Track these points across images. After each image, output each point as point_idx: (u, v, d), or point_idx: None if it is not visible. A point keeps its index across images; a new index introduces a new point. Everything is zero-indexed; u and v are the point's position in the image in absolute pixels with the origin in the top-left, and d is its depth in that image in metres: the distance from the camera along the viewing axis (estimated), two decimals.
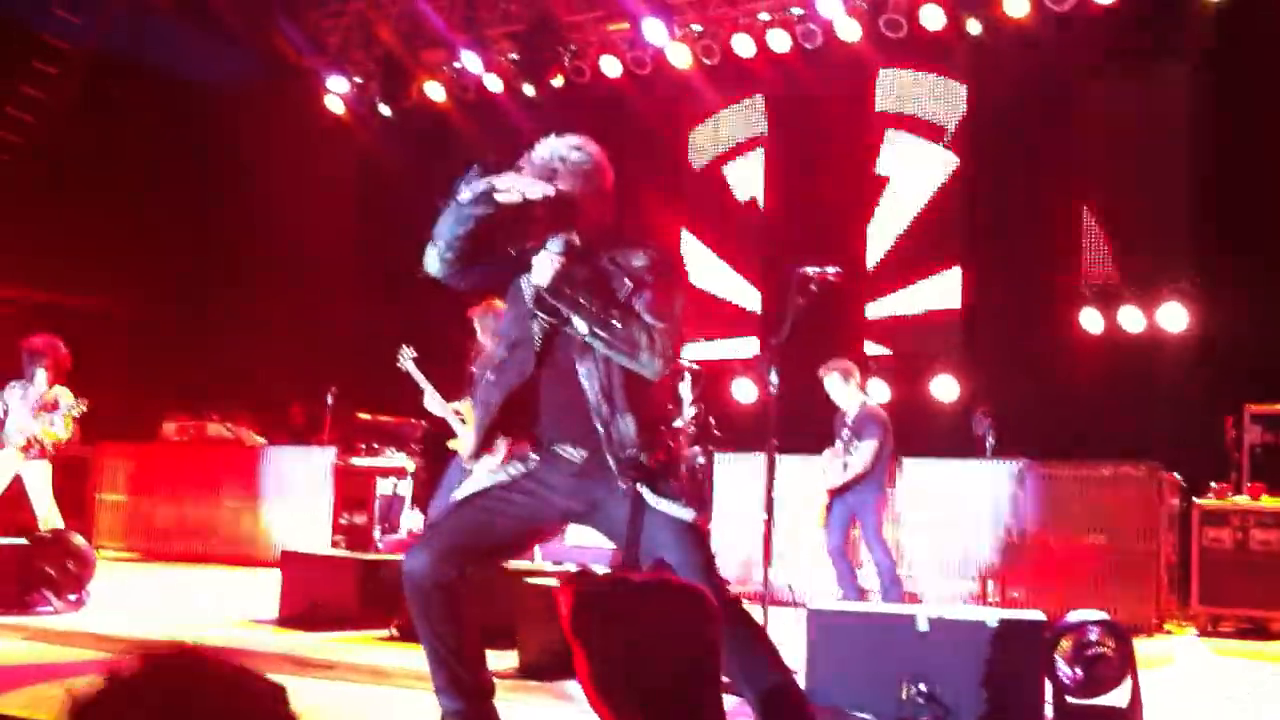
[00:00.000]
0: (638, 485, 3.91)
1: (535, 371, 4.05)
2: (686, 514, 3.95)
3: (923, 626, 5.64)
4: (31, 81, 13.82)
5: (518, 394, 4.08)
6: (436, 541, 4.08)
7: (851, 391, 8.97)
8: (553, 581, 6.93)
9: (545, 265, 3.91)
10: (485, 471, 4.14)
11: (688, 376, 10.30)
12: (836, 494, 8.75)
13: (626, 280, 3.98)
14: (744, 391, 12.16)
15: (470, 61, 13.67)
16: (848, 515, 8.87)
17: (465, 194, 3.93)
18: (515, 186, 3.89)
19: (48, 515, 9.18)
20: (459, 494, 4.21)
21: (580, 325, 3.89)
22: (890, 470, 9.12)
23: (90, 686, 1.34)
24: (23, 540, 8.09)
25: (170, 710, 1.36)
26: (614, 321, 3.87)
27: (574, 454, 4.04)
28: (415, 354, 8.41)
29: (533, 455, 4.09)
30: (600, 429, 3.96)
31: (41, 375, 9.25)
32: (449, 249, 3.98)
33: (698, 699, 1.23)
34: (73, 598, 7.87)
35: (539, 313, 3.99)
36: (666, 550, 3.87)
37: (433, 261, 4.05)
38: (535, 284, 3.93)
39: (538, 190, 3.89)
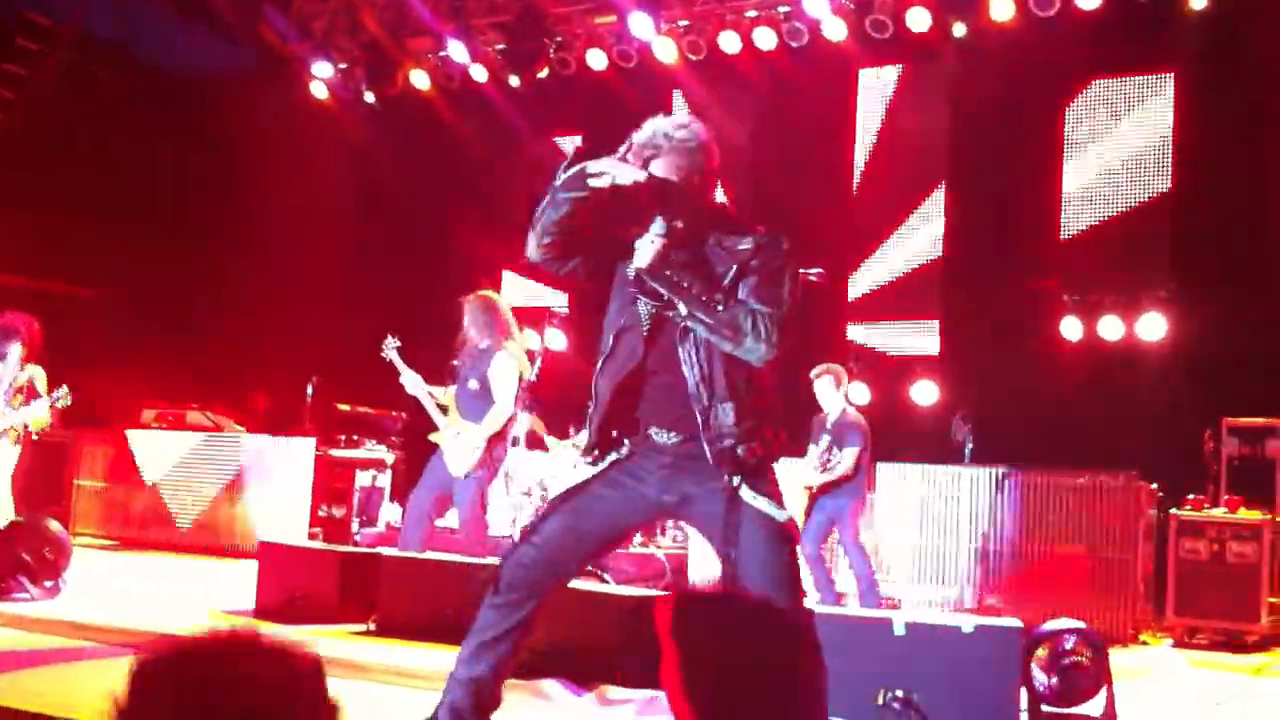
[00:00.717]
0: (734, 481, 3.85)
1: (642, 357, 3.99)
2: (781, 514, 3.91)
3: (900, 631, 5.66)
4: (14, 59, 13.73)
5: (627, 382, 4.02)
6: (539, 544, 4.04)
7: (839, 397, 9.07)
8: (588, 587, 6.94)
9: (646, 247, 3.85)
10: (572, 464, 4.14)
11: None
12: (814, 498, 8.83)
13: (732, 263, 3.92)
14: None
15: (456, 51, 13.63)
16: (825, 521, 8.96)
17: (559, 179, 3.91)
18: (608, 171, 3.83)
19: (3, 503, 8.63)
20: (558, 487, 4.20)
21: (681, 308, 3.83)
22: (869, 477, 9.19)
23: (146, 660, 1.37)
24: None
25: (221, 684, 1.38)
26: (716, 305, 3.80)
27: (669, 439, 3.96)
28: (399, 344, 8.38)
29: (626, 442, 4.04)
30: (698, 415, 3.87)
31: (15, 353, 8.68)
32: (546, 234, 3.97)
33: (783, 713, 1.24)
34: (49, 584, 7.83)
35: (640, 295, 3.93)
36: (756, 550, 3.84)
37: (532, 248, 4.03)
38: (636, 266, 3.86)
39: (630, 175, 3.84)
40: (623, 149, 3.98)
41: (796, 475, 8.99)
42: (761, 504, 3.86)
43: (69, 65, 13.59)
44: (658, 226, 3.87)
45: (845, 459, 8.82)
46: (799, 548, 8.50)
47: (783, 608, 1.72)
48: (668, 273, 3.84)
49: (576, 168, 3.87)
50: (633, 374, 4.00)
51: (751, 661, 1.26)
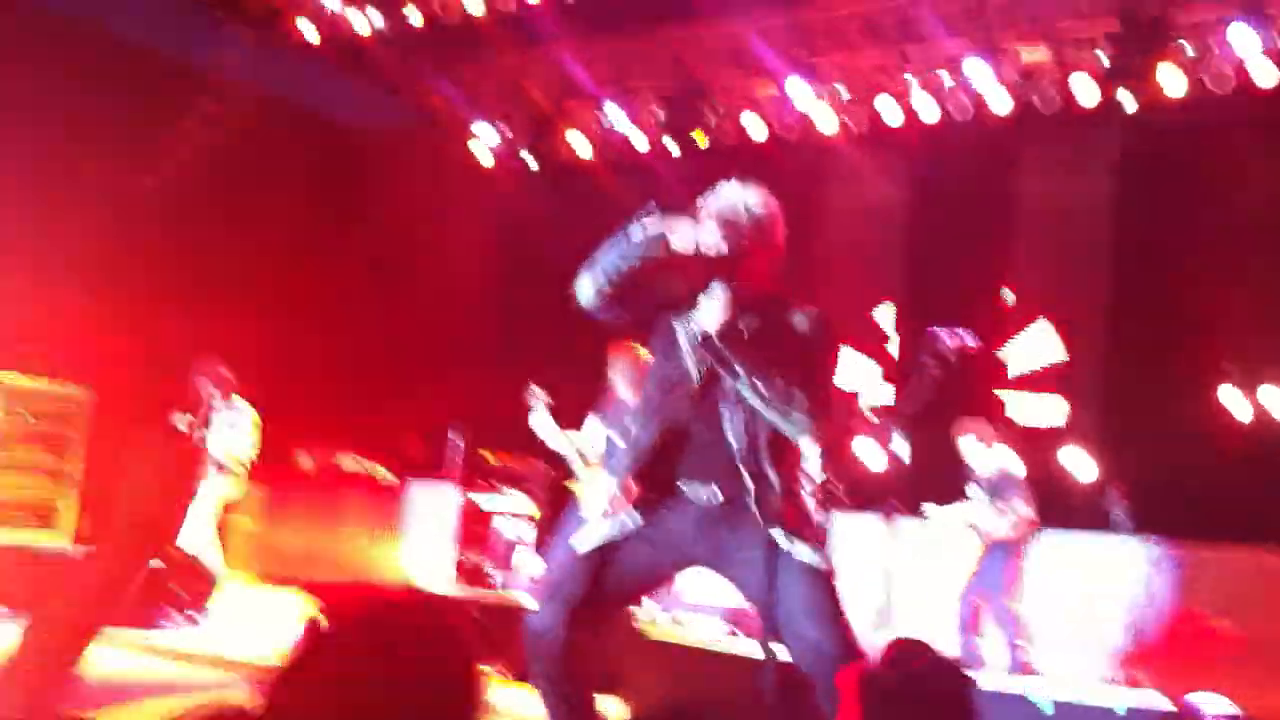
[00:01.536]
0: (771, 532, 3.85)
1: (689, 414, 4.02)
2: (820, 560, 3.88)
3: (1047, 709, 5.45)
4: (196, 118, 14.30)
5: (669, 436, 4.05)
6: (560, 599, 4.03)
7: (990, 454, 8.83)
8: (666, 634, 6.88)
9: (714, 310, 3.93)
10: (609, 518, 4.09)
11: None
12: (983, 557, 8.61)
13: (786, 340, 3.97)
14: (869, 453, 11.98)
15: (617, 117, 13.81)
16: (980, 587, 8.67)
17: (638, 233, 3.93)
18: (685, 234, 3.89)
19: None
20: (577, 541, 4.17)
21: (741, 374, 3.87)
22: (1026, 542, 8.89)
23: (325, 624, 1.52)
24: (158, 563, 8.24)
25: (387, 646, 1.51)
26: (773, 378, 3.84)
27: (705, 495, 3.98)
28: (547, 398, 8.44)
29: (659, 498, 4.04)
30: (744, 477, 3.92)
31: (210, 394, 9.23)
32: (607, 282, 3.99)
33: None
34: (195, 615, 8.01)
35: (703, 355, 3.96)
36: (798, 598, 3.81)
37: (586, 290, 4.05)
38: (703, 328, 3.93)
39: (713, 243, 3.88)
40: (695, 212, 4.00)
41: (960, 516, 8.76)
42: (801, 552, 3.86)
43: (243, 122, 14.11)
44: (723, 291, 3.94)
45: (1017, 508, 8.54)
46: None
47: (948, 664, 1.65)
48: (733, 338, 3.90)
49: (659, 225, 3.89)
50: (676, 430, 4.02)
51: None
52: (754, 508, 3.89)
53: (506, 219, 15.48)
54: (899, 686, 1.29)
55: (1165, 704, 5.60)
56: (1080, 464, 11.35)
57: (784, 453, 3.95)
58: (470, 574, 11.23)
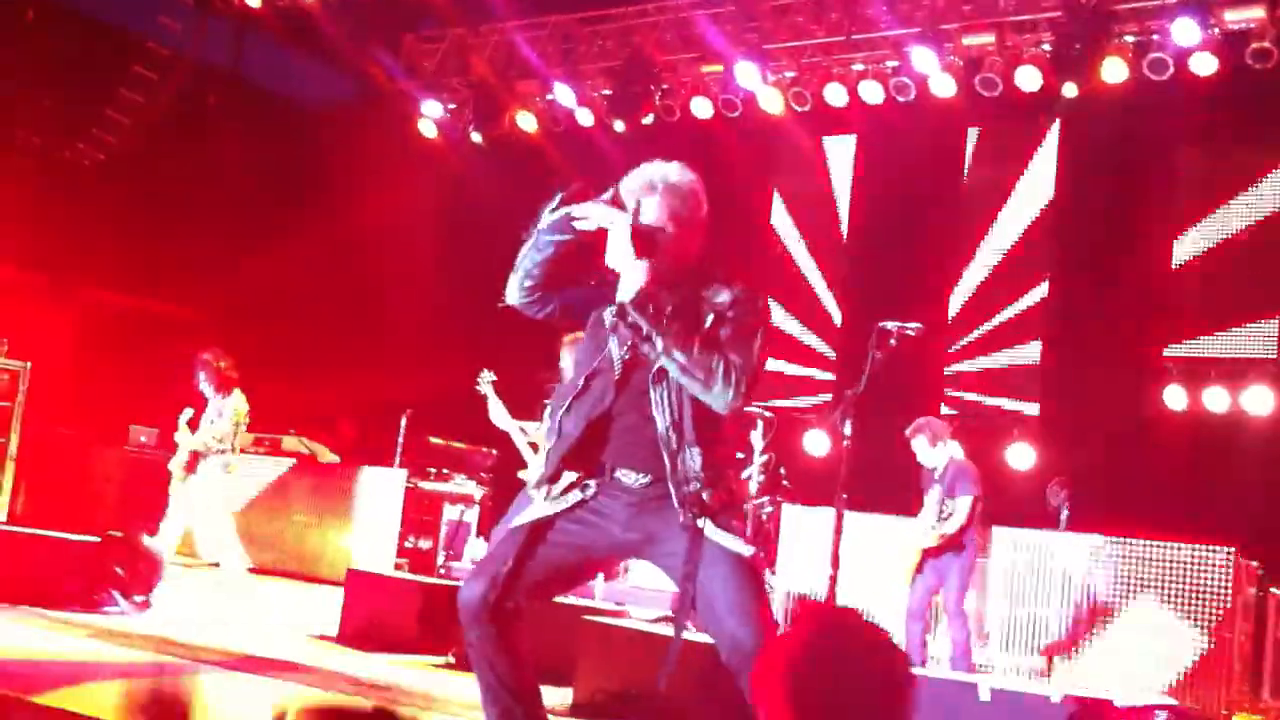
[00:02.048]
0: (697, 519, 3.83)
1: (613, 400, 4.00)
2: (745, 549, 3.87)
3: (985, 697, 5.56)
4: (132, 86, 14.11)
5: (595, 423, 4.03)
6: (491, 571, 4.05)
7: (938, 451, 8.79)
8: (610, 620, 6.93)
9: (630, 281, 3.87)
10: (541, 500, 4.11)
11: (760, 424, 10.27)
12: (929, 554, 8.57)
13: (710, 313, 3.92)
14: (816, 444, 12.08)
15: (563, 94, 13.78)
16: (934, 579, 8.69)
17: (544, 221, 3.96)
18: (593, 214, 3.90)
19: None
20: (515, 520, 4.19)
21: (658, 344, 3.83)
22: (982, 537, 8.91)
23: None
24: (95, 539, 8.21)
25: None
26: (692, 346, 3.81)
27: (635, 480, 3.96)
28: (494, 377, 8.44)
29: (590, 482, 4.03)
30: (666, 459, 3.89)
31: (206, 387, 9.66)
32: (528, 277, 4.00)
33: None
34: (140, 599, 7.96)
35: (618, 325, 3.90)
36: (720, 585, 3.79)
37: (513, 290, 4.07)
38: (620, 299, 3.87)
39: (615, 218, 3.89)
40: (610, 192, 3.99)
41: (910, 537, 8.83)
42: (726, 540, 3.83)
43: (183, 92, 13.93)
44: (642, 264, 3.89)
45: (960, 506, 8.53)
46: (907, 603, 8.42)
47: (869, 629, 1.66)
48: (650, 307, 3.84)
49: (561, 211, 3.92)
50: (602, 416, 3.99)
51: (847, 685, 1.30)
52: (674, 494, 3.86)
53: (453, 196, 15.40)
54: (824, 657, 1.34)
55: (1101, 693, 5.73)
56: (1022, 459, 11.50)
57: (711, 434, 3.90)
58: (415, 558, 11.23)
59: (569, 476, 4.02)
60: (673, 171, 4.02)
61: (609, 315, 3.93)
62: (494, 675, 3.96)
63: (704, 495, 3.84)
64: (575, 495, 4.04)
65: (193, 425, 9.60)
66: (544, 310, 4.11)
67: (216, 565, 9.73)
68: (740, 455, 9.58)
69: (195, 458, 9.47)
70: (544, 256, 3.96)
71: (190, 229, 14.05)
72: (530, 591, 4.04)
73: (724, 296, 3.96)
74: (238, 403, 9.70)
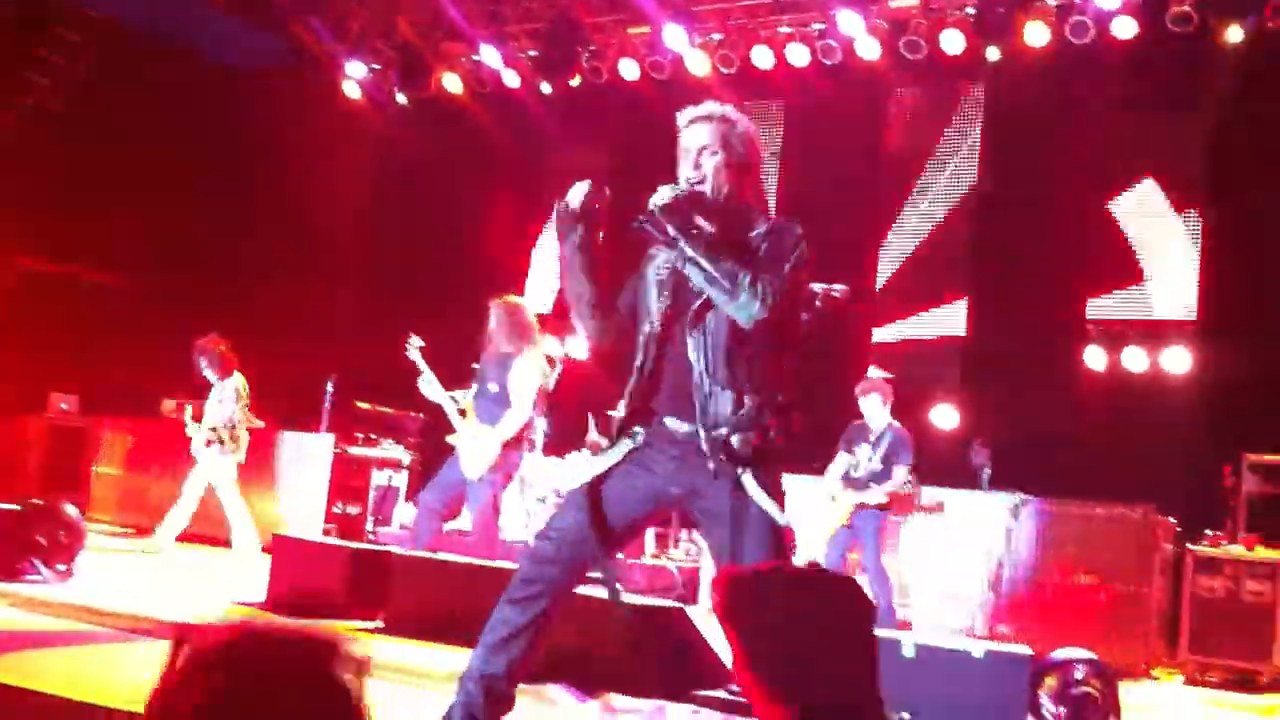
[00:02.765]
0: (740, 472, 3.80)
1: (658, 348, 4.01)
2: (782, 518, 3.87)
3: (908, 652, 5.65)
4: (54, 48, 13.82)
5: (645, 373, 4.03)
6: (555, 541, 4.01)
7: (885, 412, 8.95)
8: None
9: (667, 190, 3.89)
10: (599, 455, 4.10)
11: None
12: (855, 513, 8.76)
13: (744, 236, 3.96)
14: None
15: (489, 56, 13.68)
16: (850, 539, 8.85)
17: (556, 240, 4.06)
18: (568, 201, 3.96)
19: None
20: (572, 483, 4.17)
21: (684, 247, 3.84)
22: (908, 497, 9.07)
23: (191, 645, 1.38)
24: (14, 507, 8.09)
25: (264, 675, 1.36)
26: (718, 253, 3.82)
27: (680, 428, 3.94)
28: (422, 343, 8.39)
29: (639, 430, 4.02)
30: (697, 404, 3.86)
31: (209, 372, 10.26)
32: (592, 328, 4.11)
33: (854, 686, 1.23)
34: (61, 568, 7.86)
35: (644, 225, 3.89)
36: (753, 551, 3.80)
37: (594, 346, 4.19)
38: (653, 203, 3.87)
39: (581, 193, 3.96)
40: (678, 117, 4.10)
41: (831, 495, 8.95)
42: (767, 505, 3.81)
43: (107, 54, 13.67)
44: (685, 181, 3.97)
45: (899, 474, 8.71)
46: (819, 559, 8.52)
47: (833, 575, 1.65)
48: (682, 212, 3.87)
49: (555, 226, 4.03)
50: (650, 365, 4.02)
51: (806, 626, 1.26)
52: (703, 438, 3.83)
53: (380, 158, 15.27)
54: (764, 587, 1.25)
55: (1024, 650, 5.83)
56: (946, 419, 11.62)
57: (745, 377, 3.86)
58: (343, 523, 11.17)
59: (627, 430, 4.04)
60: (733, 110, 4.12)
61: (638, 219, 3.92)
62: (513, 639, 3.95)
63: (733, 440, 3.81)
64: (626, 444, 4.03)
65: (196, 415, 9.91)
66: (617, 334, 4.15)
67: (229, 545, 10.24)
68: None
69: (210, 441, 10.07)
70: (585, 290, 4.04)
71: (112, 193, 13.81)
72: (594, 560, 4.05)
73: (760, 229, 4.00)
74: (239, 383, 10.16)
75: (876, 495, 8.72)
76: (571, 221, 3.98)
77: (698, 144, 4.03)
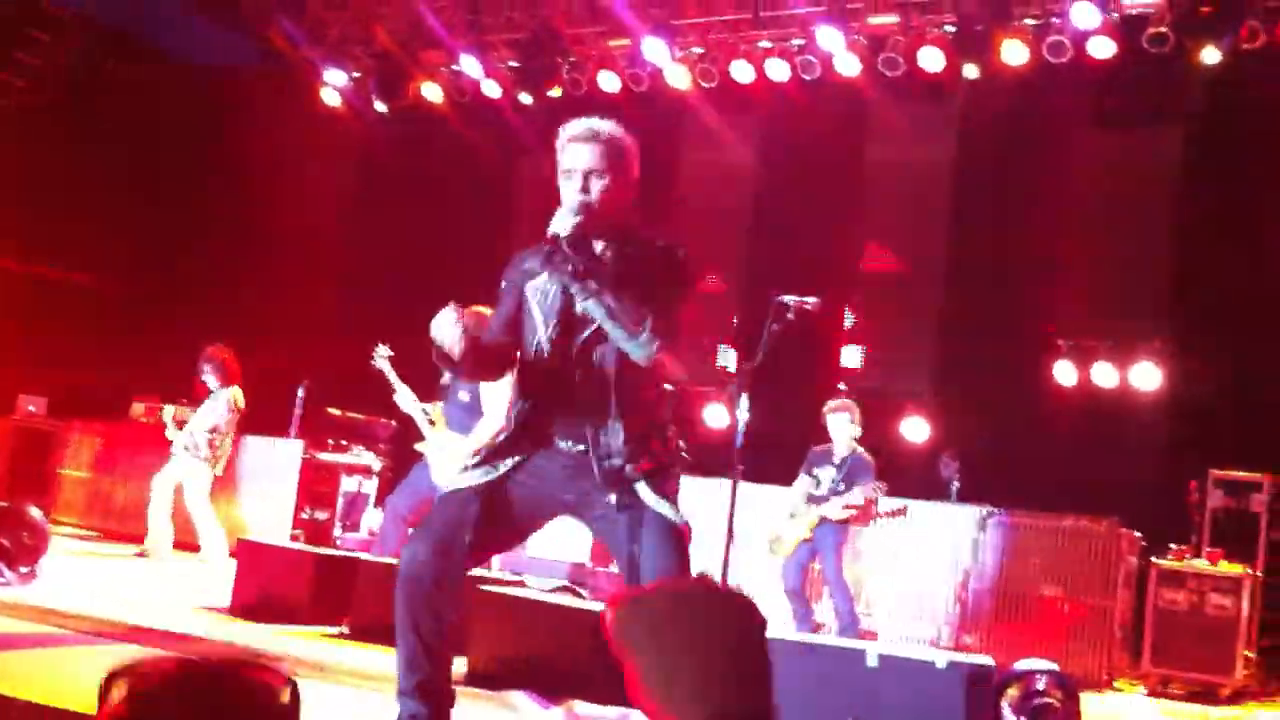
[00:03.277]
0: (635, 483, 3.91)
1: (544, 372, 4.05)
2: (678, 517, 3.95)
3: (872, 662, 5.65)
4: (26, 48, 13.78)
5: (534, 398, 4.10)
6: (434, 534, 4.05)
7: (852, 433, 8.86)
8: (503, 590, 6.94)
9: (566, 218, 3.88)
10: (480, 470, 4.11)
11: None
12: (818, 526, 8.72)
13: (638, 264, 3.99)
14: (716, 417, 12.16)
15: (469, 65, 13.67)
16: (809, 553, 8.87)
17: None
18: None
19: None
20: (452, 483, 4.20)
21: (590, 283, 3.85)
22: (869, 503, 9.01)
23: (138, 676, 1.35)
24: None
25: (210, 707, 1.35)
26: (623, 292, 3.84)
27: (570, 447, 4.02)
28: (391, 352, 8.38)
29: (530, 447, 4.08)
30: (588, 434, 3.95)
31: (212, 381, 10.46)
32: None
33: (749, 702, 1.23)
34: (25, 570, 7.80)
35: (553, 256, 3.89)
36: (649, 553, 3.86)
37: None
38: (553, 232, 3.87)
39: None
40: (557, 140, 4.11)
41: (787, 504, 8.95)
42: (660, 506, 3.93)
43: (80, 55, 13.64)
44: (576, 206, 3.95)
45: (856, 496, 8.63)
46: (783, 580, 8.53)
47: (722, 589, 1.65)
48: (584, 245, 3.87)
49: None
50: (538, 390, 4.09)
51: (700, 640, 1.26)
52: (596, 470, 3.93)
53: (357, 165, 15.25)
54: (653, 606, 1.21)
55: (987, 660, 5.85)
56: (916, 431, 11.64)
57: (634, 404, 3.97)
58: (310, 529, 11.13)
59: (511, 450, 4.08)
60: (615, 127, 4.12)
61: (545, 250, 3.91)
62: (418, 641, 3.95)
63: (625, 469, 3.92)
64: (513, 459, 4.07)
65: (179, 422, 9.96)
66: (506, 365, 4.27)
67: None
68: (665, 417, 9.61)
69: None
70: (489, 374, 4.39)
71: (88, 196, 13.77)
72: (472, 554, 4.07)
73: (649, 252, 4.04)
74: (234, 395, 10.35)
75: (836, 509, 8.69)
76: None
77: (584, 166, 4.01)
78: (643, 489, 3.91)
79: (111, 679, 1.41)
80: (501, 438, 4.15)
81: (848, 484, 8.72)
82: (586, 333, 3.97)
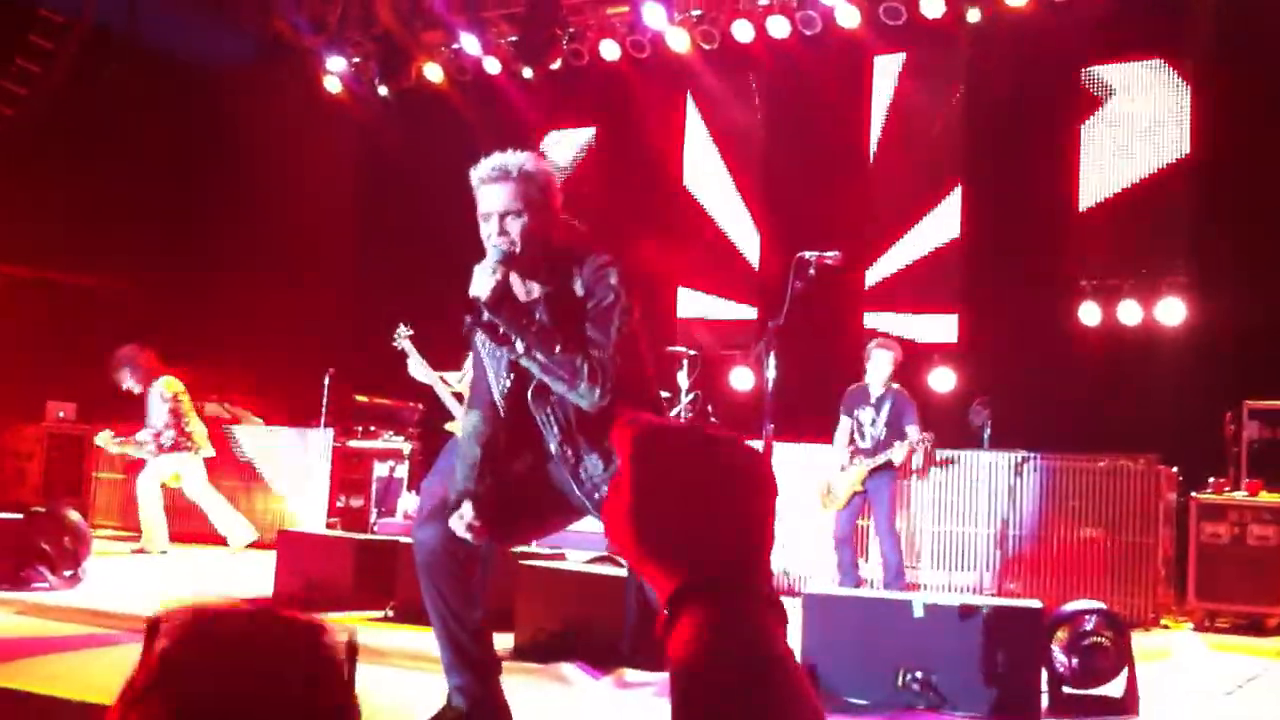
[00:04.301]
0: None
1: (508, 429, 4.05)
2: None
3: (919, 613, 5.64)
4: (27, 55, 13.76)
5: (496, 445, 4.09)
6: (437, 511, 4.06)
7: (890, 373, 8.75)
8: (547, 564, 6.96)
9: (485, 277, 3.80)
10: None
11: (685, 363, 10.30)
12: (868, 479, 8.65)
13: (568, 300, 3.91)
14: (741, 380, 12.13)
15: (469, 43, 13.63)
16: (861, 503, 8.81)
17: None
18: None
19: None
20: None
21: (517, 345, 3.80)
22: (926, 454, 8.91)
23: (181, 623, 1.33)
24: (18, 515, 8.09)
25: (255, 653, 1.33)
26: (553, 345, 3.77)
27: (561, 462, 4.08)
28: (412, 331, 8.39)
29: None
30: (568, 475, 3.97)
31: (128, 382, 10.37)
32: None
33: (744, 556, 1.19)
34: (69, 574, 7.86)
35: (474, 326, 3.86)
36: None
37: None
38: (472, 293, 3.80)
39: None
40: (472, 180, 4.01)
41: (840, 464, 8.82)
42: None
43: (80, 59, 13.62)
44: (495, 254, 3.87)
45: (912, 434, 8.52)
46: (835, 529, 8.50)
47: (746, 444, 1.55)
48: (507, 305, 3.82)
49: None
50: (505, 440, 4.08)
51: (713, 488, 1.21)
52: (588, 504, 3.99)
53: (364, 151, 15.23)
54: (676, 440, 1.16)
55: (1034, 604, 5.84)
56: (943, 381, 11.59)
57: (604, 427, 3.83)
58: (347, 516, 11.17)
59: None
60: (527, 160, 3.97)
61: (467, 319, 3.87)
62: (449, 616, 3.99)
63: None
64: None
65: (120, 430, 10.13)
66: None
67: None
68: (667, 395, 9.62)
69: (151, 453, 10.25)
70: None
71: (98, 199, 13.79)
72: (496, 534, 4.06)
73: (578, 283, 3.93)
74: (164, 385, 10.27)
75: (896, 454, 8.55)
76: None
77: (499, 208, 3.91)
78: None
79: (157, 622, 1.39)
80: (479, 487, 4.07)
81: (890, 425, 8.61)
82: (536, 380, 3.93)
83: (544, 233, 3.95)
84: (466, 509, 3.90)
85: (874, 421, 8.67)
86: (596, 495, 3.91)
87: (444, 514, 4.03)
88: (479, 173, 3.97)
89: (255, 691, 1.27)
